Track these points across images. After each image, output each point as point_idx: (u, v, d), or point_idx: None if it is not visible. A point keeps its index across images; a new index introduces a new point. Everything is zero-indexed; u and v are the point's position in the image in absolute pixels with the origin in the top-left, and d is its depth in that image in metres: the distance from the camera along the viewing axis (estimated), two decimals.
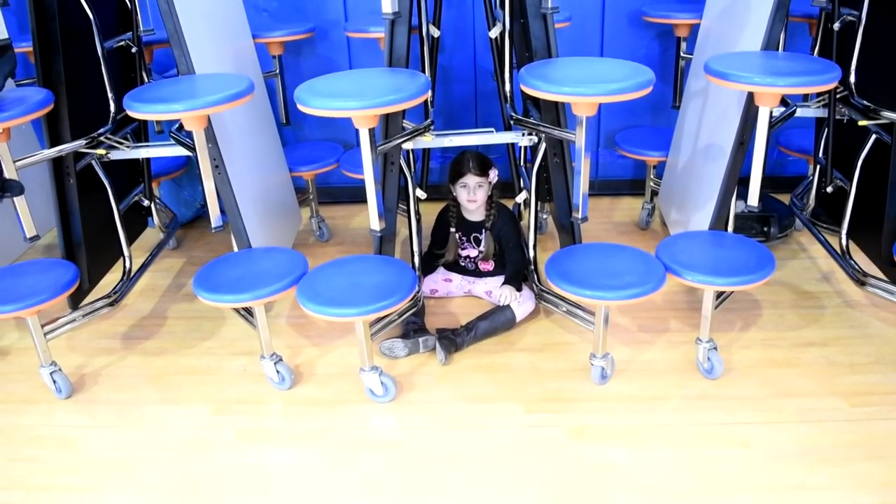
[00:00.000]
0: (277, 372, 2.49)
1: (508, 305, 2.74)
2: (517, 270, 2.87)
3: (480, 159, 2.83)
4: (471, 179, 2.82)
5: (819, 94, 2.83)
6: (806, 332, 2.69)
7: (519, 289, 2.81)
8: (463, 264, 3.03)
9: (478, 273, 3.01)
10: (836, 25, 2.69)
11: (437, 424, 2.33)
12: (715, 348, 2.44)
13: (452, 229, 2.97)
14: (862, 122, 2.55)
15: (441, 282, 3.02)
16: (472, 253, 2.98)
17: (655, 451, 2.17)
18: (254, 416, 2.41)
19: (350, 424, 2.35)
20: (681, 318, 2.80)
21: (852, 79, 2.62)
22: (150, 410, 2.46)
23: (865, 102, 2.55)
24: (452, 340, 2.61)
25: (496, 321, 2.72)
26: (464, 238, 2.97)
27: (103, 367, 2.68)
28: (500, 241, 2.92)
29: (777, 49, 2.48)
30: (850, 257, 2.71)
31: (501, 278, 2.89)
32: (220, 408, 2.45)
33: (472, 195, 2.83)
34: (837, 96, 2.74)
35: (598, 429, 2.27)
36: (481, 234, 2.93)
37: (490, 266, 2.98)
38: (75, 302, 2.70)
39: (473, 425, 2.32)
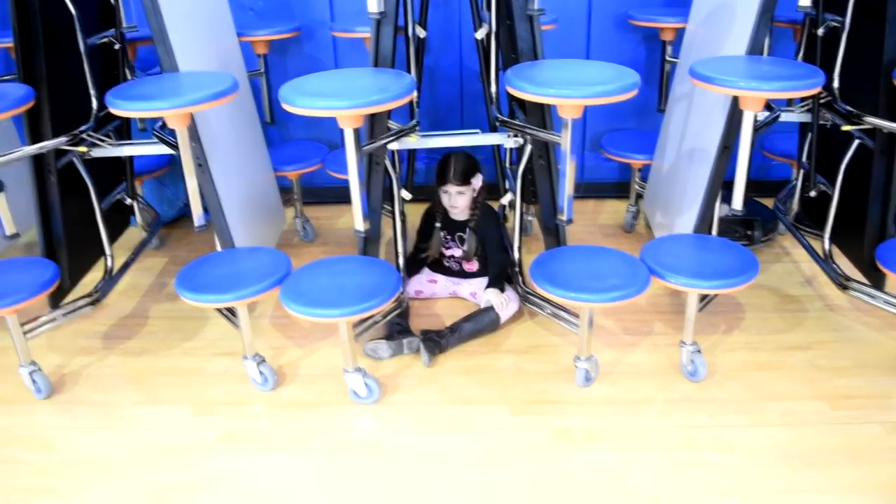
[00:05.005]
0: (260, 373, 2.47)
1: (492, 306, 2.74)
2: (500, 272, 2.87)
3: (464, 167, 2.81)
4: (451, 188, 2.82)
5: (803, 99, 2.84)
6: (789, 335, 2.70)
7: (502, 290, 2.80)
8: (447, 265, 3.02)
9: (462, 274, 3.00)
10: (821, 31, 2.70)
11: (422, 426, 2.32)
12: (699, 351, 2.45)
13: (438, 224, 2.97)
14: (845, 128, 2.57)
15: (426, 283, 3.01)
16: (457, 253, 2.97)
17: (639, 453, 2.17)
18: (236, 417, 2.39)
19: (333, 426, 2.34)
20: (665, 320, 2.80)
21: (836, 84, 2.64)
22: (131, 411, 2.43)
23: (849, 108, 2.57)
24: (437, 342, 2.60)
25: (480, 322, 2.71)
26: (448, 237, 2.97)
27: (84, 367, 2.65)
28: (483, 242, 2.91)
29: (762, 54, 2.49)
30: (833, 261, 2.72)
31: (486, 279, 2.88)
32: (201, 409, 2.43)
33: (453, 202, 2.84)
34: (821, 101, 2.75)
35: (583, 431, 2.26)
36: (465, 233, 2.92)
37: (474, 267, 2.97)
38: (56, 301, 2.67)
39: (458, 427, 2.31)
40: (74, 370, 2.64)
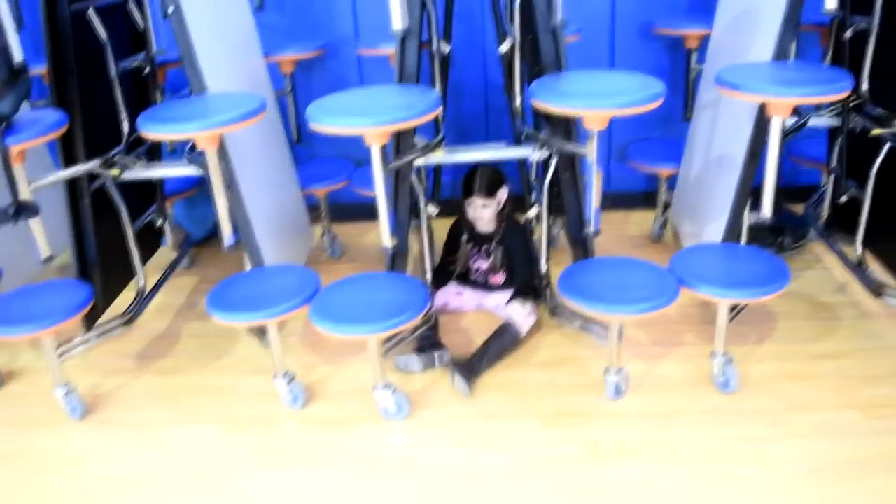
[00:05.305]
0: (290, 391, 2.49)
1: (511, 324, 2.71)
2: (524, 285, 2.86)
3: (489, 180, 2.83)
4: (476, 200, 2.83)
5: (832, 103, 2.81)
6: (821, 344, 2.66)
7: (525, 303, 2.79)
8: (474, 278, 3.02)
9: (488, 287, 3.00)
10: (849, 33, 2.67)
11: (452, 442, 2.32)
12: (730, 362, 2.42)
13: (465, 237, 2.97)
14: (875, 132, 2.53)
15: (453, 295, 3.01)
16: (483, 265, 2.97)
17: (671, 466, 2.15)
18: (267, 435, 2.40)
19: (364, 443, 2.34)
20: (695, 331, 2.78)
21: (865, 87, 2.60)
22: (164, 430, 2.46)
23: (879, 110, 2.54)
24: (469, 369, 2.55)
25: (503, 342, 2.67)
26: (475, 250, 2.97)
27: (117, 387, 2.69)
28: (510, 255, 2.91)
29: (788, 59, 2.47)
30: (866, 268, 2.68)
31: (511, 292, 2.87)
32: (234, 427, 2.45)
33: (478, 214, 2.86)
34: (851, 105, 2.72)
35: (614, 444, 2.25)
36: (492, 246, 2.92)
37: (500, 280, 2.97)
38: (90, 322, 2.72)
39: (488, 442, 2.30)
40: (108, 390, 2.67)
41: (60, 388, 2.48)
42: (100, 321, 2.76)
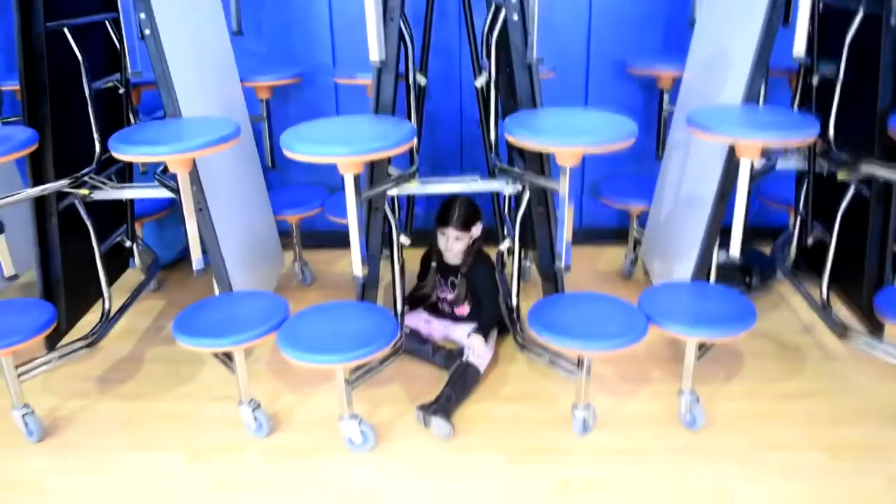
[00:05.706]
0: (255, 419, 2.45)
1: (469, 362, 2.68)
2: (485, 322, 2.84)
3: (466, 214, 2.84)
4: (451, 232, 2.84)
5: (799, 147, 2.86)
6: (788, 384, 2.68)
7: (486, 339, 2.77)
8: (441, 307, 3.02)
9: (454, 317, 2.99)
10: (815, 80, 2.73)
11: (418, 474, 2.29)
12: (697, 400, 2.43)
13: (434, 264, 2.98)
14: (841, 176, 2.58)
15: (422, 322, 3.00)
16: (449, 296, 2.97)
17: None
18: (230, 464, 2.36)
19: (329, 473, 2.31)
20: (663, 368, 2.79)
21: (831, 133, 2.66)
22: (123, 457, 2.40)
23: (844, 155, 2.59)
24: (445, 408, 2.48)
25: (467, 382, 2.63)
26: (442, 280, 2.97)
27: (77, 411, 2.63)
28: (475, 289, 2.91)
29: (758, 102, 2.52)
30: (831, 309, 2.72)
31: (473, 325, 2.85)
32: (195, 455, 2.40)
33: (449, 245, 2.86)
34: (817, 149, 2.77)
35: (582, 482, 2.24)
36: (457, 277, 2.92)
37: (465, 311, 2.96)
38: (52, 343, 2.66)
39: (454, 476, 2.28)
40: (68, 413, 2.61)
41: (18, 409, 2.42)
42: (62, 342, 2.71)
